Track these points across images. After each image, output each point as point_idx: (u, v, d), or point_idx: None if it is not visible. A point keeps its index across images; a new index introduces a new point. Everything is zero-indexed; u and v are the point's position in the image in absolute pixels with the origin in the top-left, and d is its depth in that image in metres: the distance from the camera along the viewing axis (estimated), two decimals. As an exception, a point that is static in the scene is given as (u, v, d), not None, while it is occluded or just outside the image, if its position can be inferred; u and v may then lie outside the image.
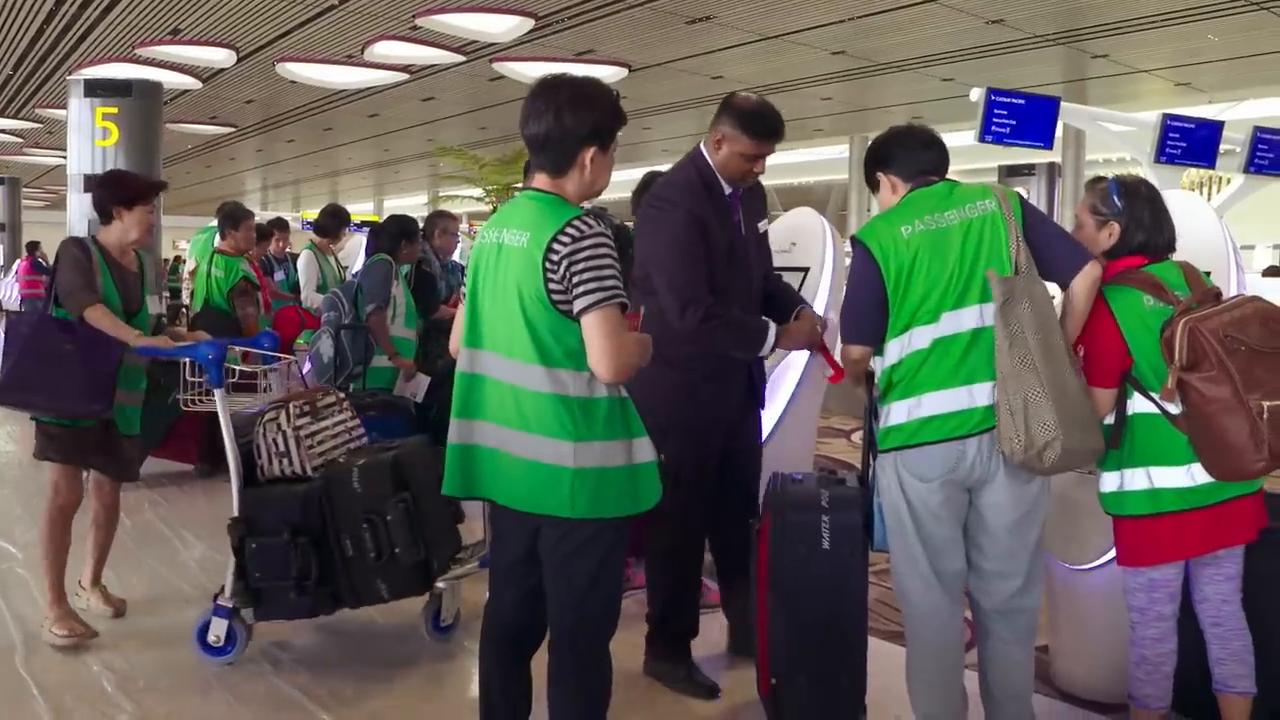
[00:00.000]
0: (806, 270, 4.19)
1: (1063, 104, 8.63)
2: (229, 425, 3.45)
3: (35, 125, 16.30)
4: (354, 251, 9.36)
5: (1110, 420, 2.66)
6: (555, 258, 2.19)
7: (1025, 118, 8.29)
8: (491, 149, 17.31)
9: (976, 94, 8.22)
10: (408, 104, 14.70)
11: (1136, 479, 2.63)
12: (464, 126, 16.64)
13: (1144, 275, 2.65)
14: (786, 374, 4.15)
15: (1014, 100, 8.30)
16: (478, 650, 2.54)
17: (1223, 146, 8.73)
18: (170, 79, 11.50)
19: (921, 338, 2.56)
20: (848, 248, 3.10)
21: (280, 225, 8.33)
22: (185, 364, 3.62)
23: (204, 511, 5.42)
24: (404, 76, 12.61)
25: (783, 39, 10.81)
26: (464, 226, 17.17)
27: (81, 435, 3.60)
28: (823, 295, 4.12)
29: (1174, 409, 2.58)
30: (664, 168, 3.58)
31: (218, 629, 3.43)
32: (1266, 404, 2.46)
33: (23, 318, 4.05)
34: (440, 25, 10.00)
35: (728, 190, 3.20)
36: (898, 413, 2.61)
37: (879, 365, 2.69)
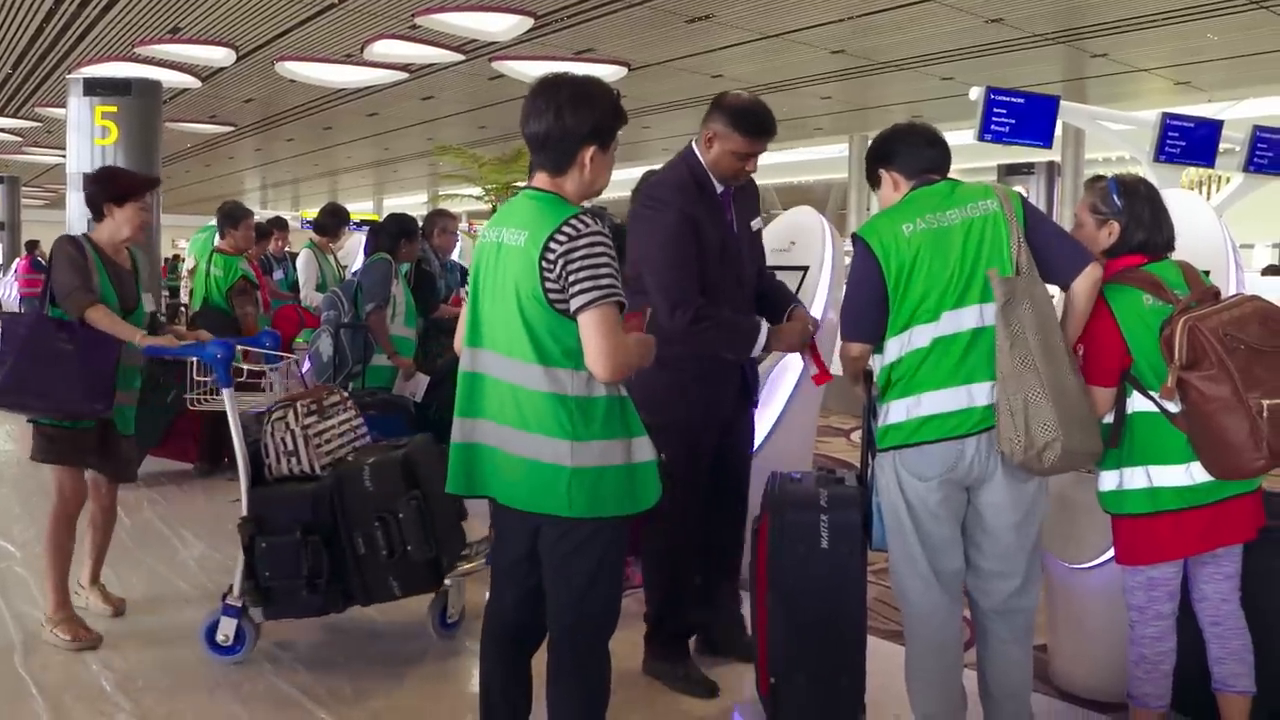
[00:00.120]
0: (806, 269, 4.19)
1: (1062, 103, 8.63)
2: (238, 425, 3.45)
3: (34, 124, 16.28)
4: (353, 250, 9.34)
5: (1109, 419, 2.66)
6: (552, 256, 2.19)
7: (1025, 117, 8.30)
8: (491, 148, 17.30)
9: (976, 93, 8.22)
10: (407, 103, 14.69)
11: (1135, 478, 2.63)
12: (463, 125, 16.63)
13: (1143, 274, 2.65)
14: (785, 373, 4.15)
15: (1013, 99, 8.31)
16: (478, 649, 2.54)
17: (1222, 145, 8.74)
18: (169, 78, 11.48)
19: (921, 336, 2.56)
20: (847, 246, 3.10)
21: (279, 224, 8.31)
22: (192, 363, 3.62)
23: (203, 510, 5.42)
24: (403, 75, 12.60)
25: (782, 38, 10.80)
26: (463, 225, 17.19)
27: (81, 436, 3.59)
28: (822, 294, 4.11)
29: (1173, 408, 2.58)
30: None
31: (226, 628, 3.43)
32: (1266, 402, 2.46)
33: (20, 318, 4.03)
34: (440, 24, 9.98)
35: (719, 189, 3.19)
36: (896, 411, 2.61)
37: (878, 363, 2.69)
